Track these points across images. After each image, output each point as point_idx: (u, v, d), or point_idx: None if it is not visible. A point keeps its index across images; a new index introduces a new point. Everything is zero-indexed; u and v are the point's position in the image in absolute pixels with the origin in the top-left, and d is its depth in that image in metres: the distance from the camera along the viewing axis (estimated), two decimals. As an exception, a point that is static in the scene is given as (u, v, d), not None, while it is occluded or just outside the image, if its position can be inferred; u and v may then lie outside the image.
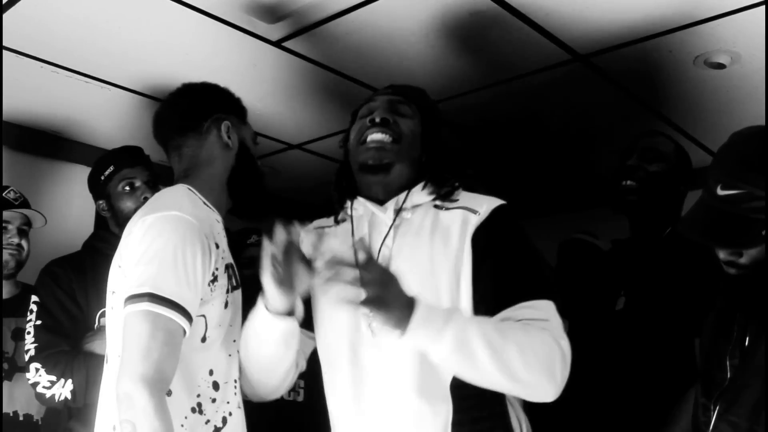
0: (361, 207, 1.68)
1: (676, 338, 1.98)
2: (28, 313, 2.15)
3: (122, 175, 2.25)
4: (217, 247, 1.57)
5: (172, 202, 1.57)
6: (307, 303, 1.69)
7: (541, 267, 1.57)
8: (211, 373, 1.55)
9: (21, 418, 2.31)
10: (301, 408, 2.41)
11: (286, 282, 1.54)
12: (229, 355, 1.61)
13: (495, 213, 1.57)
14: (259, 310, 1.59)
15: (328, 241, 1.71)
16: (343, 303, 1.31)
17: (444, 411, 1.49)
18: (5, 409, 2.27)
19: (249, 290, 1.69)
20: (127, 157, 2.30)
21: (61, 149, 3.00)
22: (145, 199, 2.10)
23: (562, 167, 3.21)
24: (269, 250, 1.50)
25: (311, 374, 1.74)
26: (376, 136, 1.62)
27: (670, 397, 1.93)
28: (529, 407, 1.62)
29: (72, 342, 2.10)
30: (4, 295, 2.40)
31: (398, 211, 1.63)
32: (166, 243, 1.48)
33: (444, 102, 2.44)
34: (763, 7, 1.90)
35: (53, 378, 2.03)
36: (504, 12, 1.99)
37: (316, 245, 1.67)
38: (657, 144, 2.15)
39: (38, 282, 2.22)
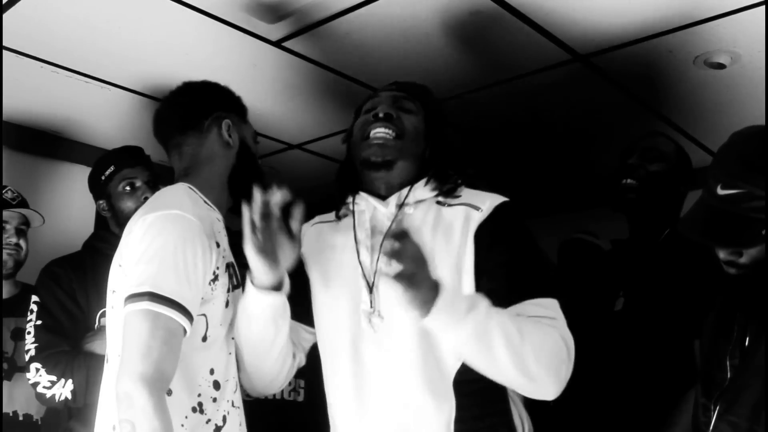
0: (363, 202, 1.68)
1: (674, 339, 1.98)
2: (29, 313, 2.15)
3: (123, 175, 2.25)
4: (218, 246, 1.57)
5: (173, 200, 1.57)
6: (306, 298, 1.69)
7: (546, 265, 1.57)
8: (212, 372, 1.55)
9: (21, 418, 2.30)
10: (302, 408, 2.41)
11: (268, 251, 1.53)
12: (229, 354, 1.62)
13: (498, 210, 1.57)
14: (247, 288, 1.59)
15: (329, 235, 1.72)
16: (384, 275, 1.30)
17: (447, 407, 1.49)
18: (5, 409, 2.27)
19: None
20: (128, 157, 2.30)
21: (61, 149, 3.00)
22: (146, 199, 2.09)
23: (562, 167, 3.21)
24: (248, 218, 1.50)
25: (312, 374, 1.74)
26: (379, 131, 1.62)
27: (668, 398, 1.94)
28: (529, 406, 1.62)
29: (72, 342, 2.10)
30: (4, 295, 2.40)
31: (400, 207, 1.63)
32: (166, 242, 1.48)
33: (444, 102, 2.43)
34: (763, 7, 1.90)
35: (53, 378, 2.03)
36: (504, 12, 1.99)
37: (318, 239, 1.68)
38: (658, 144, 2.16)
39: (38, 282, 2.22)
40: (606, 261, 2.38)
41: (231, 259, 1.64)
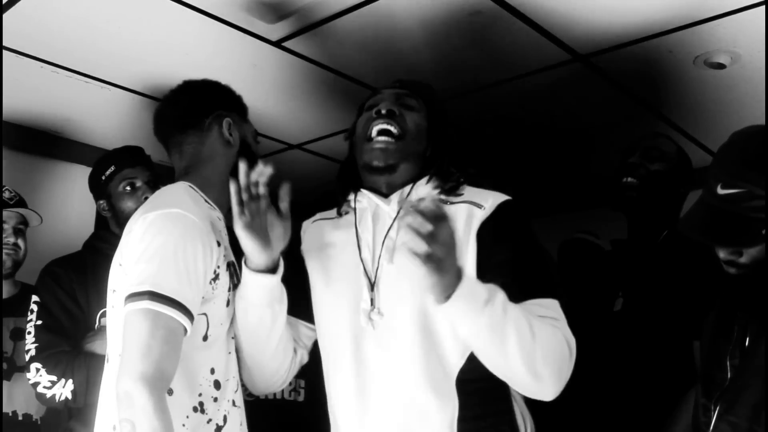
0: (365, 199, 1.68)
1: (673, 340, 1.98)
2: (29, 313, 2.14)
3: (123, 175, 2.25)
4: (219, 244, 1.56)
5: (174, 199, 1.56)
6: (306, 295, 1.69)
7: (548, 265, 1.57)
8: (212, 371, 1.54)
9: (20, 418, 2.30)
10: (302, 408, 2.40)
11: (258, 229, 1.53)
12: (229, 353, 1.61)
13: (501, 208, 1.57)
14: (243, 272, 1.59)
15: (330, 232, 1.71)
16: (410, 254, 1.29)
17: (450, 407, 1.49)
18: (4, 409, 2.27)
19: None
20: (128, 157, 2.30)
21: (60, 149, 2.99)
22: (146, 199, 2.09)
23: (562, 167, 3.21)
24: (236, 196, 1.50)
25: (312, 373, 1.74)
26: (381, 127, 1.62)
27: (667, 399, 1.94)
28: (530, 405, 1.62)
29: (72, 342, 2.10)
30: (3, 295, 2.40)
31: (402, 203, 1.62)
32: (166, 241, 1.47)
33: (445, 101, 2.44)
34: (763, 7, 1.90)
35: (54, 378, 2.02)
36: (504, 12, 1.99)
37: (318, 237, 1.68)
38: (660, 144, 2.17)
39: (39, 282, 2.22)
40: (606, 261, 2.38)
41: (232, 258, 1.64)
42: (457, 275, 1.34)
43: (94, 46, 2.25)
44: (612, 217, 2.32)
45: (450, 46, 2.19)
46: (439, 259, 1.29)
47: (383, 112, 1.64)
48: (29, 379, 2.06)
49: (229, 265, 1.61)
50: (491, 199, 1.59)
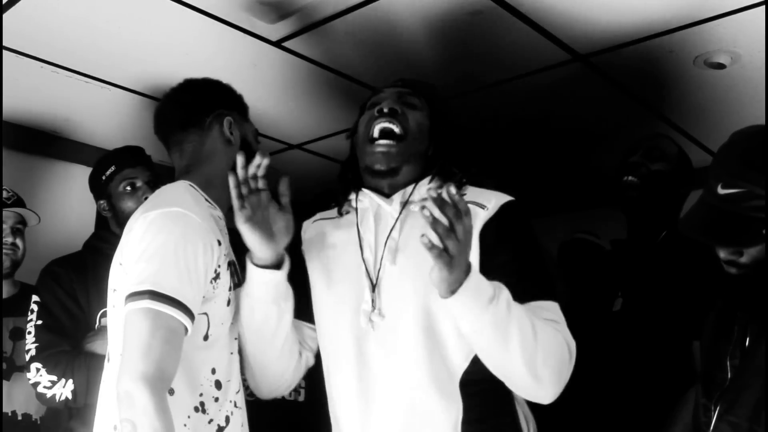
0: (366, 199, 1.67)
1: (671, 340, 1.99)
2: (29, 313, 2.14)
3: (123, 175, 2.25)
4: (220, 244, 1.55)
5: (174, 198, 1.55)
6: (307, 295, 1.68)
7: (548, 267, 1.57)
8: (213, 371, 1.53)
9: (20, 418, 2.30)
10: (302, 408, 2.40)
11: (260, 222, 1.53)
12: (231, 353, 1.60)
13: (504, 209, 1.57)
14: (248, 268, 1.57)
15: (331, 232, 1.71)
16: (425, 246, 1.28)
17: (454, 409, 1.48)
18: (3, 409, 2.27)
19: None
20: (129, 157, 2.30)
21: (61, 149, 3.00)
22: (146, 199, 2.09)
23: (562, 167, 3.21)
24: (236, 190, 1.49)
25: (312, 373, 1.74)
26: (383, 126, 1.62)
27: (666, 398, 1.94)
28: (532, 407, 1.62)
29: (73, 342, 2.10)
30: (3, 295, 2.40)
31: (404, 204, 1.62)
32: (167, 240, 1.46)
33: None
34: (763, 7, 1.90)
35: (54, 378, 2.02)
36: (504, 12, 1.99)
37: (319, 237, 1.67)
38: (661, 144, 2.18)
39: (39, 282, 2.22)
40: (605, 261, 2.39)
41: (232, 257, 1.63)
42: (466, 271, 1.34)
43: (94, 46, 2.25)
44: (612, 217, 2.32)
45: (450, 46, 2.19)
46: (453, 254, 1.29)
47: (385, 110, 1.63)
48: (29, 379, 2.06)
49: (230, 265, 1.60)
50: (494, 200, 1.58)
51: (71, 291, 2.15)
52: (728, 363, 1.47)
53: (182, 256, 1.45)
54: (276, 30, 2.15)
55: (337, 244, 1.68)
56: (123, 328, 1.44)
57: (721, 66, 2.22)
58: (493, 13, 2.00)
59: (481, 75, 2.38)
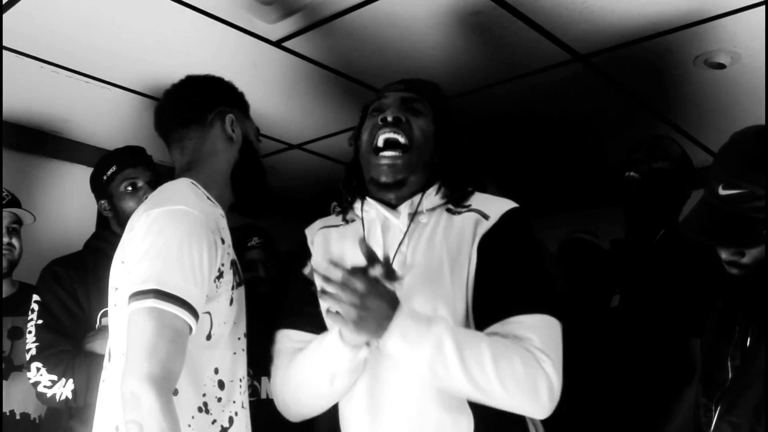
0: (372, 210, 1.64)
1: (668, 336, 2.00)
2: (30, 313, 2.14)
3: (124, 175, 2.24)
4: (223, 242, 1.54)
5: (177, 196, 1.53)
6: (317, 305, 1.64)
7: (541, 278, 1.51)
8: (216, 371, 1.52)
9: (18, 417, 2.30)
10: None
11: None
12: (234, 353, 1.58)
13: (504, 218, 1.55)
14: (333, 344, 1.47)
15: (336, 242, 1.68)
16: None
17: (465, 422, 1.45)
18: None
19: (248, 293, 1.68)
20: (130, 157, 2.29)
21: (61, 149, 3.00)
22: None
23: (562, 167, 3.21)
24: (325, 293, 1.41)
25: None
26: (388, 136, 1.59)
27: (662, 394, 1.95)
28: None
29: (73, 342, 2.10)
30: (2, 294, 2.40)
31: (412, 216, 1.60)
32: (171, 238, 1.44)
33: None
34: (763, 7, 1.90)
35: (54, 377, 2.02)
36: (504, 12, 1.99)
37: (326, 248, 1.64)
38: (664, 144, 2.19)
39: (39, 281, 2.22)
40: (604, 259, 2.40)
41: (234, 256, 1.61)
42: (387, 317, 1.37)
43: (94, 46, 2.25)
44: (612, 217, 2.32)
45: (450, 46, 2.19)
46: (355, 315, 1.34)
47: (389, 119, 1.60)
48: (30, 379, 2.05)
49: (233, 264, 1.58)
50: (497, 209, 1.56)
51: (72, 291, 2.15)
52: (729, 363, 1.47)
53: (186, 254, 1.43)
54: (276, 30, 2.15)
55: (344, 255, 1.61)
56: (127, 327, 1.42)
57: (721, 66, 2.22)
58: (493, 13, 2.00)
59: (481, 75, 2.38)
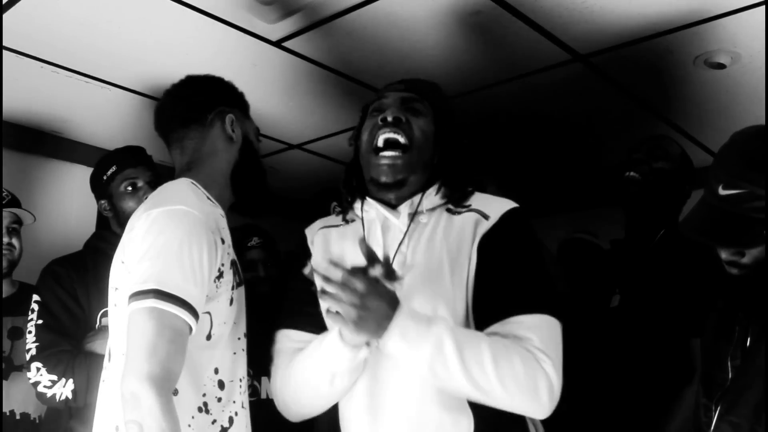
0: (372, 210, 1.64)
1: (669, 336, 2.00)
2: (30, 312, 2.14)
3: (125, 175, 2.24)
4: (223, 242, 1.54)
5: (177, 196, 1.53)
6: (317, 305, 1.64)
7: (541, 278, 1.52)
8: (216, 371, 1.52)
9: (18, 417, 2.30)
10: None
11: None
12: (234, 353, 1.58)
13: (504, 218, 1.55)
14: (333, 344, 1.47)
15: (336, 242, 1.68)
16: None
17: (465, 422, 1.45)
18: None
19: (248, 293, 1.68)
20: (130, 157, 2.29)
21: (61, 149, 3.00)
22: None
23: (562, 167, 3.22)
24: (325, 293, 1.40)
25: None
26: (388, 136, 1.59)
27: (662, 394, 1.95)
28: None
29: (73, 342, 2.10)
30: (2, 294, 2.40)
31: (412, 216, 1.60)
32: (171, 238, 1.44)
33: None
34: (763, 7, 1.90)
35: (54, 377, 2.02)
36: (504, 12, 1.99)
37: (326, 248, 1.65)
38: (665, 144, 2.19)
39: (40, 281, 2.22)
40: (604, 259, 2.40)
41: (234, 256, 1.61)
42: (387, 317, 1.37)
43: (94, 46, 2.26)
44: (612, 217, 2.33)
45: (450, 46, 2.20)
46: (355, 315, 1.35)
47: (389, 119, 1.60)
48: (30, 379, 2.05)
49: (233, 264, 1.58)
50: (497, 209, 1.56)
51: (72, 290, 2.15)
52: (729, 363, 1.48)
53: (187, 254, 1.43)
54: (276, 30, 2.15)
55: (344, 255, 1.61)
56: (127, 327, 1.42)
57: (721, 66, 2.23)
58: (493, 13, 2.00)
59: (481, 75, 2.38)
